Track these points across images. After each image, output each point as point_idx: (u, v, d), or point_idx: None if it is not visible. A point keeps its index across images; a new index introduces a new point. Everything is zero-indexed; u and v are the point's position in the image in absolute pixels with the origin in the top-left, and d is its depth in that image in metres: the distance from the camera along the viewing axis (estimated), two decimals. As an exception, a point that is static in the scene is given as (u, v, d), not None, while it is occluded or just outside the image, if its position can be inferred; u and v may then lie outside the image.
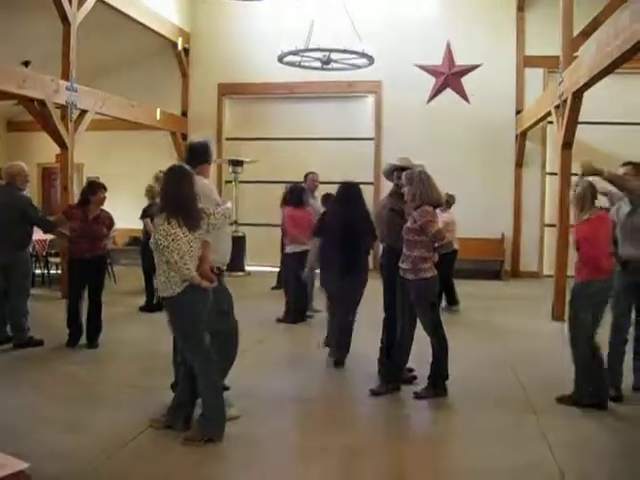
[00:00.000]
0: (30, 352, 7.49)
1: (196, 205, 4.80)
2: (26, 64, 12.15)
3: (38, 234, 10.68)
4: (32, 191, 11.26)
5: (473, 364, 7.12)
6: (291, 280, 9.35)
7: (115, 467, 4.44)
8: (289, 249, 9.32)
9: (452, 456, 4.85)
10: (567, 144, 9.54)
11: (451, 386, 5.98)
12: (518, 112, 14.37)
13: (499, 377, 6.71)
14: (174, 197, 4.74)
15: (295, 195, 9.30)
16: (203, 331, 4.86)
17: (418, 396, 5.90)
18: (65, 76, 10.80)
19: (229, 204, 5.30)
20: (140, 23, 13.09)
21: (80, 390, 6.18)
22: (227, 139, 15.82)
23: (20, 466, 1.58)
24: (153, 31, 13.84)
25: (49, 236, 11.15)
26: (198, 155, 5.46)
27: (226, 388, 5.45)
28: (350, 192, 7.10)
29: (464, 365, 6.78)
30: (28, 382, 6.39)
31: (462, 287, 10.54)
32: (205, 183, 5.32)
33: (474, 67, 14.24)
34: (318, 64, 12.47)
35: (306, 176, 9.99)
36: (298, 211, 9.14)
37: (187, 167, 4.94)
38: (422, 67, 14.49)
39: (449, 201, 10.01)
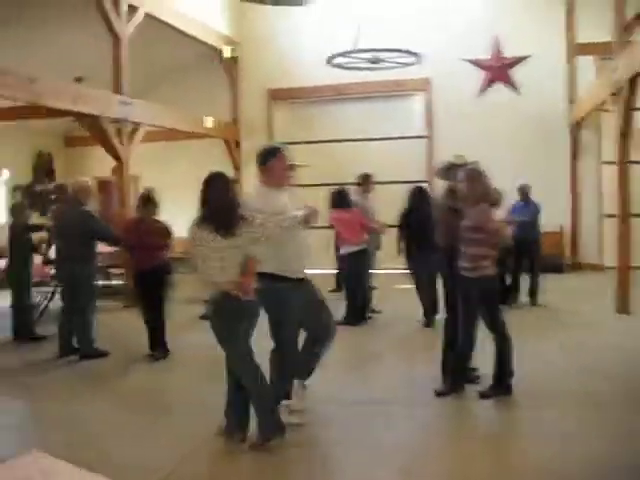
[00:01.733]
0: (97, 363, 7.62)
1: (232, 212, 4.79)
2: (79, 80, 12.38)
3: (100, 246, 10.89)
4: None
5: (538, 361, 6.99)
6: (349, 281, 9.35)
7: (189, 473, 4.49)
8: (343, 250, 9.30)
9: (517, 456, 4.75)
10: (624, 132, 9.33)
11: (516, 384, 5.89)
12: (571, 102, 14.08)
13: (565, 374, 6.58)
14: (208, 203, 4.79)
15: (339, 198, 9.30)
16: (240, 338, 4.84)
17: (483, 395, 5.83)
18: (117, 90, 10.98)
19: (295, 214, 5.15)
20: (188, 34, 13.21)
21: (149, 398, 6.27)
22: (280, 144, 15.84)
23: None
24: (201, 41, 13.97)
25: (110, 248, 11.33)
26: (256, 161, 5.49)
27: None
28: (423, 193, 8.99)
29: (529, 362, 6.67)
30: (99, 392, 6.51)
31: (523, 282, 10.39)
32: (261, 193, 5.32)
33: (523, 58, 14.11)
34: (366, 64, 12.44)
35: (362, 178, 9.92)
36: (345, 213, 9.12)
37: (225, 174, 4.94)
38: (470, 61, 14.41)
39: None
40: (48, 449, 2.05)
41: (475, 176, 5.80)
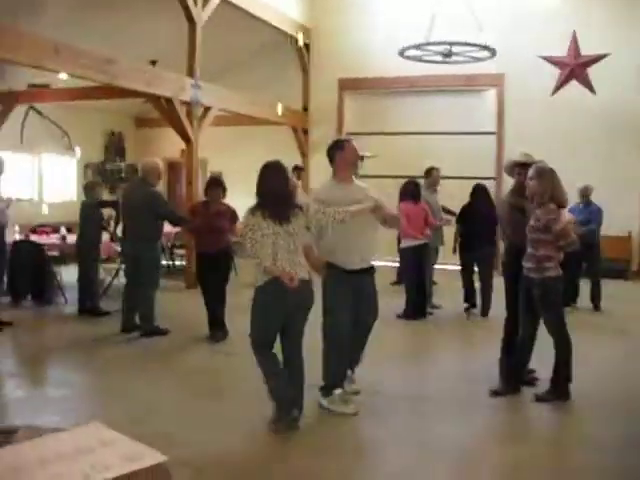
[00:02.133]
0: (157, 341, 7.78)
1: (285, 199, 4.94)
2: (153, 63, 12.57)
3: (165, 226, 11.08)
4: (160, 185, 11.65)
5: (598, 367, 6.86)
6: (409, 275, 9.32)
7: (242, 456, 4.56)
8: (404, 243, 9.25)
9: (569, 463, 4.68)
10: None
11: (575, 390, 5.79)
12: (648, 102, 13.66)
13: (626, 382, 6.45)
14: (262, 189, 4.97)
15: (409, 190, 9.25)
16: (269, 333, 5.00)
17: (539, 398, 5.75)
18: (190, 74, 11.13)
19: (352, 208, 5.15)
20: (262, 20, 13.28)
21: (207, 379, 6.37)
22: (348, 134, 15.81)
23: (159, 459, 1.63)
24: (274, 27, 14.02)
25: (175, 229, 11.53)
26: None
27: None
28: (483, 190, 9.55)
29: (588, 368, 6.55)
30: (159, 370, 6.65)
31: (586, 287, 10.19)
32: (327, 185, 5.60)
33: (602, 57, 13.75)
34: (439, 57, 12.31)
35: (428, 172, 9.88)
36: (413, 206, 9.07)
37: (280, 163, 5.04)
38: (546, 58, 14.14)
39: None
40: (108, 422, 2.10)
41: (544, 174, 5.70)
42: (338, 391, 5.47)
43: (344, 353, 5.55)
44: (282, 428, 4.93)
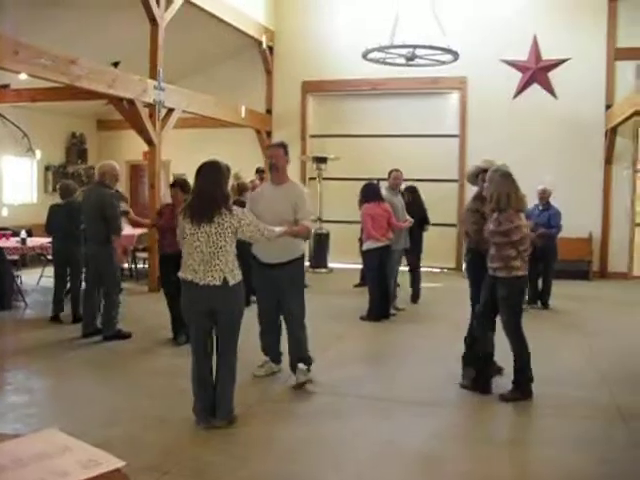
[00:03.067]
0: (120, 345, 7.69)
1: (209, 199, 4.88)
2: (115, 64, 12.45)
3: (127, 229, 10.99)
4: (121, 188, 11.55)
5: (561, 366, 6.93)
6: (372, 277, 9.34)
7: (211, 461, 4.53)
8: (366, 245, 9.24)
9: (533, 462, 4.71)
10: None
11: (538, 389, 5.84)
12: (608, 107, 13.86)
13: (587, 381, 6.52)
14: (192, 189, 5.20)
15: (371, 192, 9.26)
16: (194, 335, 5.15)
17: (503, 398, 5.80)
18: (153, 75, 11.04)
19: (277, 230, 5.35)
20: (225, 22, 13.23)
21: (167, 382, 6.30)
22: (311, 136, 15.86)
23: (116, 464, 1.61)
24: (238, 30, 13.96)
25: (137, 231, 11.43)
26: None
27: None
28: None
29: (552, 367, 6.64)
30: (118, 373, 6.58)
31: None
32: (262, 187, 6.46)
33: (562, 61, 13.98)
34: (402, 60, 12.38)
35: (390, 173, 9.93)
36: (376, 207, 9.07)
37: (217, 163, 5.05)
38: (508, 62, 14.30)
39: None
40: (70, 427, 2.07)
41: (493, 179, 5.78)
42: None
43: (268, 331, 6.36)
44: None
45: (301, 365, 6.18)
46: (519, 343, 5.82)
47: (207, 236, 4.84)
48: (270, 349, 6.44)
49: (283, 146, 6.13)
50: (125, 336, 7.92)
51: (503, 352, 6.01)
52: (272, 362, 6.47)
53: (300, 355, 6.20)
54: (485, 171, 6.20)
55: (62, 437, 1.77)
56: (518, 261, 5.71)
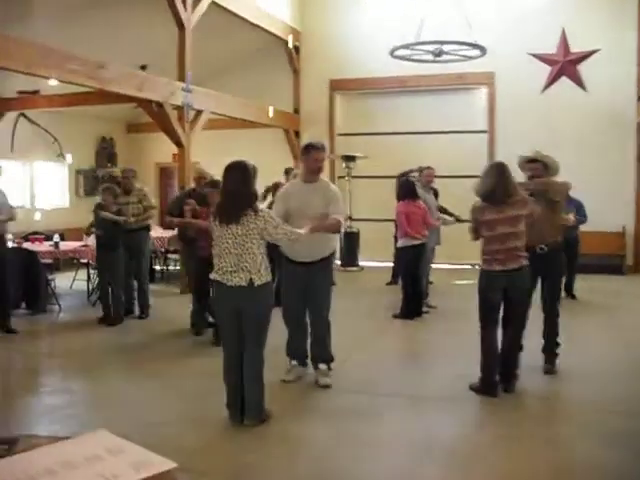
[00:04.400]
0: (160, 347, 7.79)
1: (235, 201, 4.94)
2: (143, 68, 12.53)
3: (157, 231, 11.08)
4: (151, 190, 11.61)
5: (597, 361, 6.86)
6: (405, 275, 9.28)
7: (247, 463, 4.53)
8: (401, 243, 9.18)
9: (567, 460, 4.66)
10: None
11: (573, 384, 5.78)
12: (639, 99, 13.68)
13: (623, 376, 6.43)
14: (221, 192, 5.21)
15: (406, 189, 9.19)
16: (226, 335, 5.23)
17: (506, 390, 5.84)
18: (181, 78, 11.09)
19: (303, 231, 5.34)
20: (252, 23, 13.25)
21: (200, 384, 6.32)
22: (339, 135, 15.83)
23: (168, 465, 1.60)
24: (265, 30, 13.99)
25: (168, 233, 11.48)
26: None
27: None
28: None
29: (587, 362, 6.58)
30: (153, 375, 6.60)
31: (582, 282, 10.21)
32: (291, 185, 6.34)
33: (591, 53, 13.82)
34: (430, 57, 12.32)
35: (422, 170, 9.85)
36: (412, 205, 9.00)
37: (243, 163, 5.07)
38: (536, 56, 14.17)
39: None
40: (109, 429, 2.07)
41: (487, 172, 5.84)
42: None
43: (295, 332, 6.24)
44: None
45: (322, 366, 6.19)
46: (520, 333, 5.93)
47: (234, 237, 4.89)
48: (297, 352, 6.32)
49: (324, 148, 6.09)
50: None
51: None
52: (300, 366, 6.36)
53: (324, 356, 6.21)
54: (532, 161, 6.25)
55: (112, 439, 1.77)
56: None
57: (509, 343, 5.93)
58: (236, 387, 5.10)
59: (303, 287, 6.03)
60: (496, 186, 5.70)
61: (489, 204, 5.76)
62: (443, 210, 10.18)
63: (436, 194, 10.25)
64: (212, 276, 5.07)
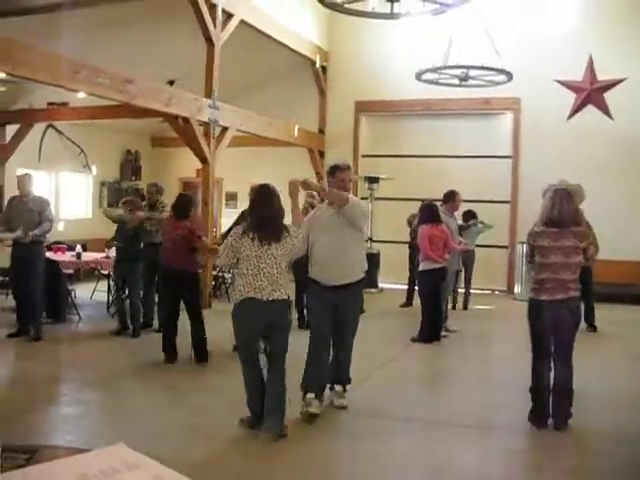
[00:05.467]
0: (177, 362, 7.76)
1: (273, 223, 5.17)
2: (171, 83, 12.65)
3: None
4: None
5: (617, 393, 6.77)
6: (426, 298, 9.23)
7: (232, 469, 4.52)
8: (423, 266, 9.13)
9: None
10: None
11: (596, 416, 5.71)
12: (667, 128, 13.57)
13: (633, 413, 6.36)
14: (251, 213, 5.34)
15: (430, 213, 9.16)
16: (247, 349, 5.33)
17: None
18: (208, 94, 11.19)
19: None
20: (280, 42, 13.36)
21: (212, 399, 6.33)
22: (363, 156, 15.86)
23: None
24: (292, 50, 14.09)
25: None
26: None
27: None
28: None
29: (608, 394, 6.50)
30: (168, 390, 6.62)
31: (599, 312, 10.10)
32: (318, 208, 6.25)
33: (618, 81, 13.73)
34: (456, 81, 12.35)
35: (451, 195, 9.68)
36: (434, 229, 8.98)
37: (270, 186, 5.36)
38: (562, 83, 14.13)
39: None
40: (113, 440, 2.07)
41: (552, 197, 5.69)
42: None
43: (319, 359, 5.85)
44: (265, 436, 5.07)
45: (338, 387, 6.12)
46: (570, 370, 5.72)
47: (274, 258, 5.10)
48: (317, 379, 5.84)
49: (350, 168, 6.03)
50: None
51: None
52: (317, 399, 5.77)
53: (343, 379, 6.13)
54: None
55: (129, 453, 1.78)
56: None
57: (557, 377, 5.60)
58: (258, 400, 5.26)
59: (332, 312, 5.81)
60: (559, 213, 5.47)
61: (547, 229, 5.54)
62: (473, 215, 10.35)
63: (474, 215, 10.84)
64: (249, 294, 5.09)
